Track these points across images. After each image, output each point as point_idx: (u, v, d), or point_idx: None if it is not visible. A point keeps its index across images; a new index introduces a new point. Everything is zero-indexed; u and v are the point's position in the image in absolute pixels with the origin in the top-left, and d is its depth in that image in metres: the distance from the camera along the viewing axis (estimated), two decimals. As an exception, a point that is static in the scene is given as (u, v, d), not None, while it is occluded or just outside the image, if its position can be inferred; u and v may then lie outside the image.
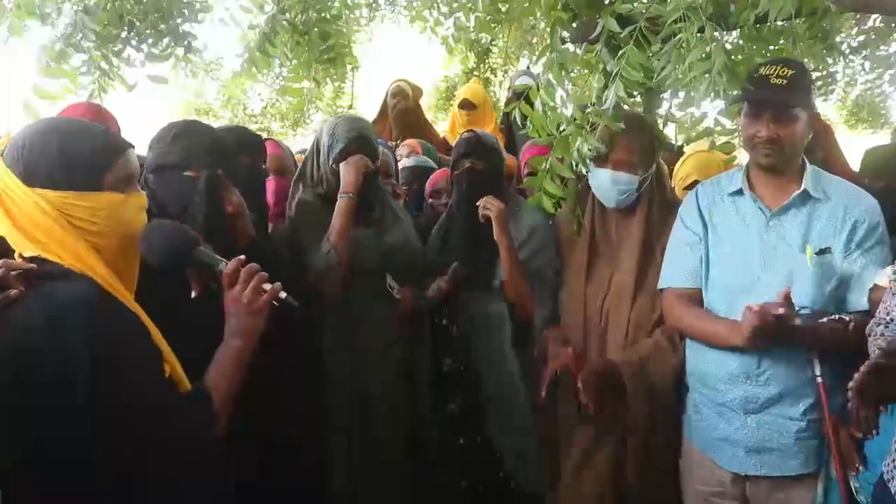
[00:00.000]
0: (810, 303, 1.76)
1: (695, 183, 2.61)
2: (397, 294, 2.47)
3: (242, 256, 1.42)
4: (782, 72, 1.76)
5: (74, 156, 1.26)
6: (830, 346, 1.75)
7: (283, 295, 1.42)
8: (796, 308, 1.74)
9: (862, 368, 1.27)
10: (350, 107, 3.79)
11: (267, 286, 1.41)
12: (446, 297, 2.45)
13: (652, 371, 1.98)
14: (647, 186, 2.12)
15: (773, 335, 1.67)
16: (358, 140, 2.34)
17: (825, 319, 1.74)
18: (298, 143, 5.22)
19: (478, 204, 2.30)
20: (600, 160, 2.10)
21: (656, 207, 2.14)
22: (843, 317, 1.73)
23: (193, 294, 1.50)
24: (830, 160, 2.66)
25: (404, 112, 3.97)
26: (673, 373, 1.99)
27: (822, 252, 1.76)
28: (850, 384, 1.28)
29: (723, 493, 1.90)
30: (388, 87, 4.09)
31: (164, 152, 1.87)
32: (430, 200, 2.83)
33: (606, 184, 2.10)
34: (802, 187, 1.82)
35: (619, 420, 1.99)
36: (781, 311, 1.62)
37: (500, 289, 2.38)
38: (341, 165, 2.29)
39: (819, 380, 1.75)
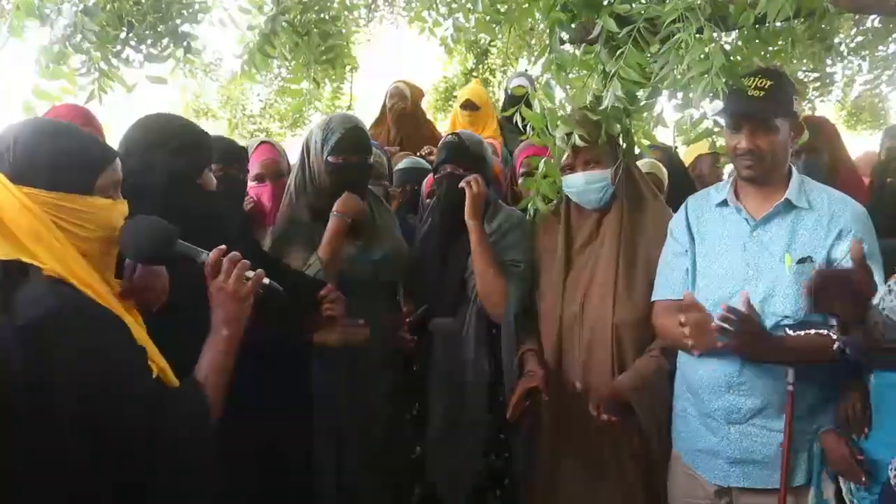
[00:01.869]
0: (792, 312, 1.75)
1: None
2: (403, 306, 2.46)
3: (223, 247, 1.43)
4: (760, 83, 1.75)
5: (69, 157, 1.25)
6: (809, 360, 1.73)
7: (266, 281, 1.45)
8: (778, 318, 1.75)
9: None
10: (349, 107, 3.80)
11: (250, 273, 1.42)
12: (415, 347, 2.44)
13: (655, 391, 2.00)
14: (619, 183, 2.14)
15: (742, 344, 1.67)
16: (354, 130, 2.31)
17: (812, 332, 1.72)
18: (297, 144, 5.23)
19: (462, 183, 2.26)
20: (568, 167, 2.13)
21: (629, 203, 2.15)
22: (830, 334, 1.70)
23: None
24: (838, 162, 2.66)
25: (403, 113, 3.97)
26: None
27: (802, 261, 1.75)
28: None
29: None
30: (388, 88, 4.09)
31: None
32: (428, 201, 2.83)
33: (581, 185, 2.13)
34: (785, 196, 1.81)
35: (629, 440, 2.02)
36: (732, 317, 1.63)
37: (465, 310, 2.35)
38: (345, 194, 2.25)
39: (790, 388, 1.75)
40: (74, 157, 1.26)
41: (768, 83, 1.75)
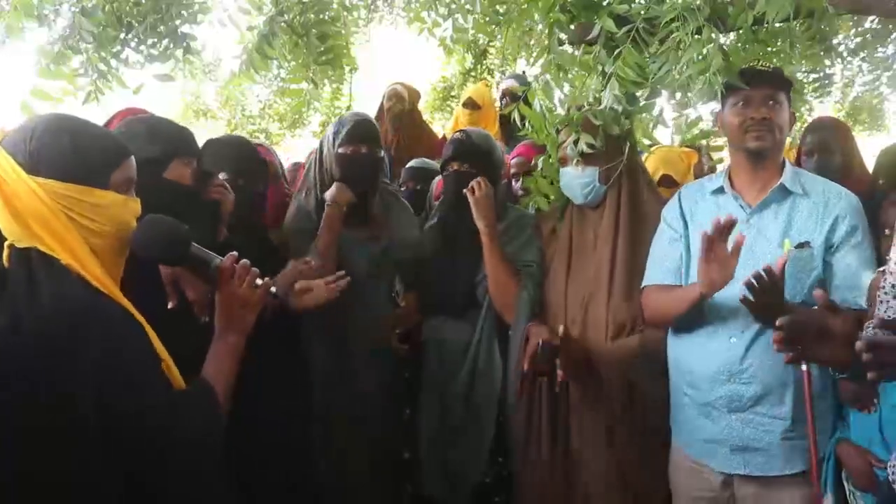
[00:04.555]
0: (789, 297, 1.76)
1: (664, 177, 2.67)
2: (401, 301, 2.45)
3: (235, 253, 1.43)
4: (765, 64, 1.85)
5: (86, 150, 1.26)
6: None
7: (273, 290, 1.47)
8: None
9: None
10: (348, 108, 3.79)
11: (259, 281, 1.44)
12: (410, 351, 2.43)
13: (636, 370, 2.00)
14: (615, 181, 2.13)
15: (766, 302, 1.64)
16: (363, 122, 2.35)
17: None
18: (296, 144, 5.24)
19: (466, 190, 2.26)
20: (561, 160, 2.14)
21: (625, 201, 2.14)
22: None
23: (170, 305, 1.55)
24: (850, 162, 2.66)
25: (400, 115, 3.96)
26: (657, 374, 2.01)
27: (800, 246, 1.78)
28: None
29: (713, 497, 1.90)
30: (385, 90, 4.08)
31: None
32: (436, 202, 2.81)
33: (570, 180, 2.14)
34: (780, 181, 1.84)
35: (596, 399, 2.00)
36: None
37: (475, 313, 2.34)
38: (335, 184, 2.28)
39: (804, 367, 1.75)
40: (91, 151, 1.26)
41: (770, 65, 1.84)
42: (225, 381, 1.39)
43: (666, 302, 1.92)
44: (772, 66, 1.83)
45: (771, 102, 1.83)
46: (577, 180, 2.12)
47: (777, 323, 1.40)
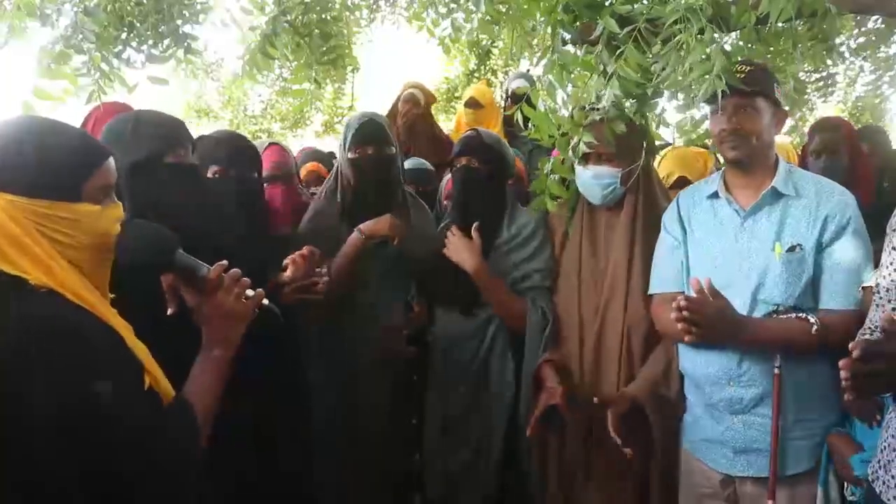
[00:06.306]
0: (782, 300, 1.77)
1: (679, 179, 2.65)
2: (415, 307, 2.44)
3: (225, 262, 1.37)
4: (740, 68, 1.80)
5: (53, 162, 1.16)
6: (791, 343, 1.75)
7: (265, 302, 1.39)
8: (769, 306, 1.77)
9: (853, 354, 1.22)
10: (350, 108, 3.79)
11: (250, 293, 1.37)
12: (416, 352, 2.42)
13: (663, 392, 1.99)
14: (633, 183, 2.12)
15: (711, 328, 1.67)
16: (367, 124, 2.32)
17: (792, 316, 1.75)
18: (298, 144, 5.24)
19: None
20: (582, 159, 2.12)
21: (643, 204, 2.13)
22: (808, 317, 1.73)
23: (170, 311, 1.48)
24: (856, 163, 2.65)
25: (413, 122, 3.94)
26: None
27: (791, 249, 1.77)
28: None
29: (714, 493, 1.91)
30: (401, 92, 4.04)
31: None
32: (446, 202, 2.81)
33: (589, 180, 2.13)
34: (771, 185, 1.83)
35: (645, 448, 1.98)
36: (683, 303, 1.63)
37: (485, 310, 2.33)
38: (379, 219, 2.26)
39: (776, 371, 1.76)
40: (57, 164, 1.17)
41: (748, 68, 1.80)
42: (207, 399, 1.31)
43: (673, 330, 1.89)
44: (746, 69, 1.78)
45: (743, 110, 1.80)
46: (597, 181, 2.11)
47: (854, 355, 1.22)
